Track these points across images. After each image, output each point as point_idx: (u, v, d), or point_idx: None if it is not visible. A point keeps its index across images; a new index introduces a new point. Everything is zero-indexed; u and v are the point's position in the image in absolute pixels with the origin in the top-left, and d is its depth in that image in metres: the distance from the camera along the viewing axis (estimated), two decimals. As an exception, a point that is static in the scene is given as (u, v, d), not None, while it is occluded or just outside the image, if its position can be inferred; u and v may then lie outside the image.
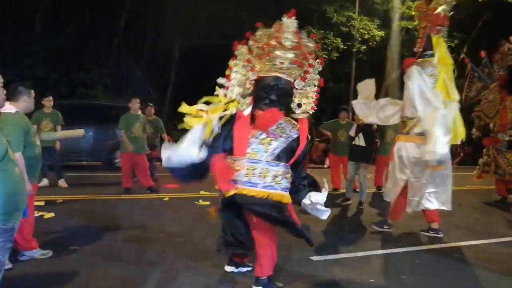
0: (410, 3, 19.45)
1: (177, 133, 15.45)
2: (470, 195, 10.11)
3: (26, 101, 4.23)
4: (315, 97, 4.08)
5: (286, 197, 3.77)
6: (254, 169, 3.70)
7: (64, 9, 20.66)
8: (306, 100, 4.04)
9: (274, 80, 3.85)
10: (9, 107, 4.00)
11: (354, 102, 6.83)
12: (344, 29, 20.11)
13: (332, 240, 5.82)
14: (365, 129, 7.81)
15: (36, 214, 5.97)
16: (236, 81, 4.03)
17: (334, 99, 20.60)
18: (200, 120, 3.77)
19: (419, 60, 5.85)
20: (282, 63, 3.84)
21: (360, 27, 20.02)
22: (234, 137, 3.79)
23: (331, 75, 22.15)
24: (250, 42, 4.01)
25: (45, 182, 8.60)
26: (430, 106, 5.55)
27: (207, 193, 8.07)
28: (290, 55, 3.84)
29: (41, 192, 7.41)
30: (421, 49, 5.88)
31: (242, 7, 19.04)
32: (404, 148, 5.89)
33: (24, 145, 4.00)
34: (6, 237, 2.62)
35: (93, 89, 19.93)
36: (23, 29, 19.34)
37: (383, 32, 20.24)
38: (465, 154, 18.27)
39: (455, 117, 5.69)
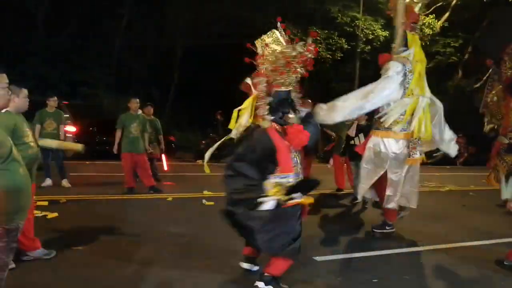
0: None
1: (178, 132, 15.59)
2: (474, 195, 10.08)
3: (14, 101, 4.06)
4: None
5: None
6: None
7: (66, 8, 20.69)
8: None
9: (286, 94, 3.96)
10: None
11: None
12: (348, 29, 20.08)
13: (336, 240, 5.81)
14: (365, 129, 7.74)
15: (40, 214, 6.02)
16: (263, 98, 4.01)
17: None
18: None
19: (396, 56, 5.87)
20: (296, 78, 3.96)
21: (365, 27, 19.97)
22: (280, 156, 3.78)
23: (335, 75, 22.12)
24: (272, 58, 3.93)
25: (48, 182, 8.62)
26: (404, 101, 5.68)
27: (210, 193, 8.08)
28: (302, 71, 3.97)
29: (45, 192, 7.47)
30: (397, 46, 5.94)
31: (244, 6, 19.06)
32: (383, 143, 5.86)
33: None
34: (10, 237, 2.62)
35: (95, 88, 19.96)
36: (25, 28, 19.37)
37: (388, 32, 20.17)
38: (469, 155, 18.23)
39: (427, 113, 5.81)
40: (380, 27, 20.29)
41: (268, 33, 4.06)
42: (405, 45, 5.86)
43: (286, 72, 3.90)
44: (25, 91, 4.26)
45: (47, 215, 6.13)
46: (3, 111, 3.93)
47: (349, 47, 20.27)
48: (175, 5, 20.73)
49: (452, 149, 6.09)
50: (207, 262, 4.59)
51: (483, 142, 12.55)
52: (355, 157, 7.82)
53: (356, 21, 19.94)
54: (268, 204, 3.71)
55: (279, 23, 4.07)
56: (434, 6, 19.97)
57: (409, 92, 5.66)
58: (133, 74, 22.51)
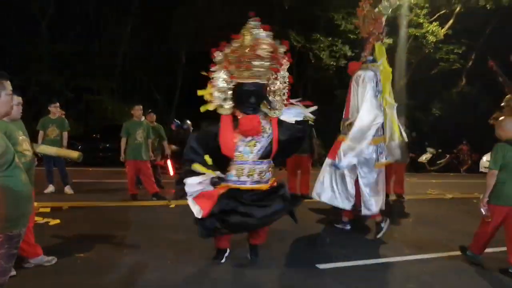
0: (418, 11, 19.40)
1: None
2: (478, 203, 9.96)
3: None
4: (286, 94, 4.52)
5: (272, 181, 4.51)
6: (242, 169, 4.31)
7: (70, 14, 20.83)
8: (279, 97, 4.47)
9: (252, 85, 4.27)
10: None
11: None
12: (352, 36, 20.07)
13: (339, 247, 5.76)
14: None
15: (42, 220, 6.02)
16: (217, 88, 4.33)
17: (342, 106, 20.50)
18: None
19: (365, 65, 6.05)
20: (259, 70, 4.22)
21: (368, 34, 19.97)
22: (220, 141, 4.27)
23: (338, 82, 22.09)
24: (227, 51, 4.28)
25: (51, 188, 8.63)
26: (375, 110, 5.85)
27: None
28: (267, 63, 4.23)
29: (47, 199, 7.48)
30: (366, 55, 6.11)
31: (248, 14, 19.12)
32: None
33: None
34: (11, 244, 2.62)
35: (99, 94, 19.99)
36: (29, 35, 19.45)
37: (391, 40, 20.15)
38: (472, 162, 18.15)
39: (393, 120, 6.02)
40: (384, 34, 20.30)
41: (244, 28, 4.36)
42: (372, 54, 6.07)
43: (240, 65, 4.19)
44: (18, 98, 4.17)
45: (49, 222, 6.13)
46: None
47: (353, 54, 20.26)
48: (180, 13, 20.82)
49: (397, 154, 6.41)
50: (209, 268, 4.58)
51: (487, 149, 12.53)
52: None
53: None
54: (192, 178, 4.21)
55: (252, 18, 4.37)
56: (438, 14, 19.98)
57: (380, 98, 5.88)
58: (137, 80, 22.58)
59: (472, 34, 20.89)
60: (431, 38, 19.52)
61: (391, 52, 20.81)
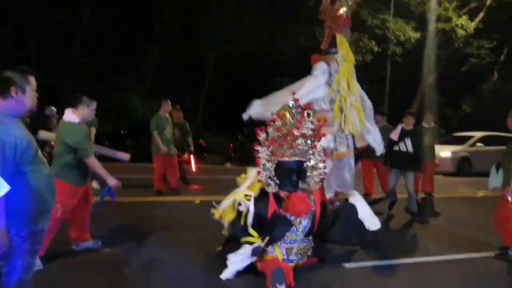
0: (447, 5, 18.96)
1: (208, 137, 15.68)
2: (484, 203, 9.57)
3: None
4: (323, 168, 4.44)
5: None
6: (292, 249, 4.30)
7: (103, 28, 21.29)
8: (316, 172, 4.41)
9: (294, 164, 4.31)
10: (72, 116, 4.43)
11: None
12: (379, 31, 19.79)
13: (366, 247, 5.64)
14: (411, 133, 7.38)
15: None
16: (263, 166, 4.37)
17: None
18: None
19: (324, 56, 6.14)
20: (301, 149, 4.29)
21: (396, 29, 19.63)
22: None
23: (366, 77, 21.86)
24: (271, 130, 4.36)
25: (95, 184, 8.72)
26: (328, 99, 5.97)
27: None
28: (308, 141, 4.32)
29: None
30: (326, 47, 6.22)
31: (275, 23, 19.26)
32: None
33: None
34: (35, 240, 2.62)
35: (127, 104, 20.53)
36: (63, 47, 20.07)
37: (419, 34, 19.78)
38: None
39: (357, 108, 5.99)
40: (411, 29, 19.91)
41: (282, 107, 4.49)
42: (335, 46, 6.12)
43: (283, 143, 4.25)
44: (93, 104, 4.67)
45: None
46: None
47: (380, 50, 19.99)
48: (210, 20, 21.26)
49: (377, 143, 6.29)
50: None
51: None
52: (400, 164, 7.49)
53: (387, 23, 19.64)
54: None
55: (292, 98, 4.45)
56: (468, 7, 19.52)
57: (331, 90, 5.90)
58: (167, 86, 22.98)
59: (504, 28, 20.31)
60: (461, 32, 19.05)
61: (419, 48, 20.50)
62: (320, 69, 5.94)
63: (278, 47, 20.94)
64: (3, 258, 2.50)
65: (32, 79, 2.71)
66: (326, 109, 5.92)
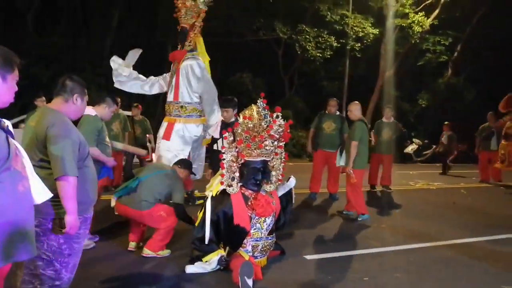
0: (404, 1, 19.41)
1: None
2: (464, 193, 10.10)
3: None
4: (282, 169, 4.62)
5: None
6: (257, 246, 4.39)
7: (56, 8, 20.63)
8: (275, 172, 4.57)
9: (260, 163, 4.38)
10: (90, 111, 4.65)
11: (115, 65, 7.74)
12: (337, 27, 20.04)
13: (326, 239, 5.80)
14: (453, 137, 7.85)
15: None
16: (226, 165, 4.41)
17: (328, 96, 20.50)
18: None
19: (190, 54, 6.86)
20: (268, 149, 4.37)
21: (354, 25, 19.95)
22: (237, 221, 4.28)
23: (325, 73, 22.10)
24: (239, 130, 4.36)
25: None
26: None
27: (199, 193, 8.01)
28: (275, 142, 4.41)
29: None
30: (188, 45, 6.88)
31: (235, 6, 19.03)
32: (185, 128, 6.75)
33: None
34: (86, 225, 2.93)
35: (87, 89, 19.90)
36: (16, 28, 19.32)
37: (377, 30, 20.15)
38: (459, 152, 18.23)
39: None
40: (370, 24, 20.28)
41: (248, 107, 4.47)
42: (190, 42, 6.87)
43: (251, 144, 4.28)
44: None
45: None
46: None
47: (339, 45, 20.26)
48: (167, 4, 20.75)
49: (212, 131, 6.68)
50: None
51: (473, 139, 12.65)
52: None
53: (346, 19, 19.92)
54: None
55: (261, 99, 4.41)
56: (424, 4, 20.02)
57: None
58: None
59: (459, 25, 20.97)
60: (417, 29, 19.55)
61: (378, 43, 20.90)
62: (201, 68, 6.77)
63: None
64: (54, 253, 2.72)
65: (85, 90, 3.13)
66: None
